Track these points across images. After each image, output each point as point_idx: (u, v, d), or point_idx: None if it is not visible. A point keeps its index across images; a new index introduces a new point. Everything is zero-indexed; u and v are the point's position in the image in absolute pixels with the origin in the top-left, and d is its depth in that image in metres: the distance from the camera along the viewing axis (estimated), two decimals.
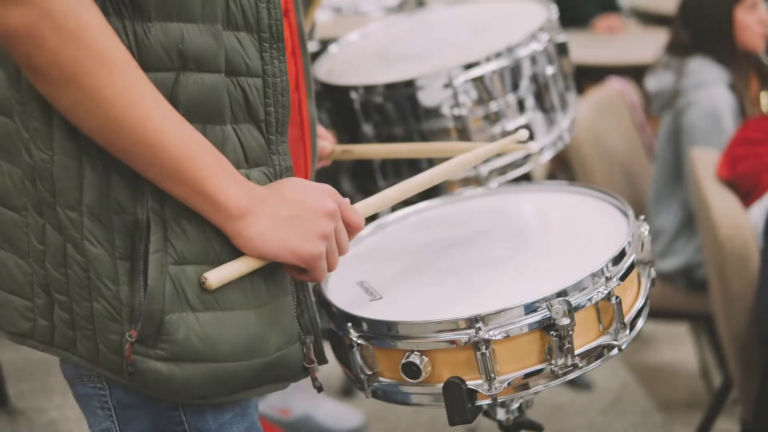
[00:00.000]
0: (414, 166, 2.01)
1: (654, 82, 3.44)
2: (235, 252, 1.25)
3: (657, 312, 1.67)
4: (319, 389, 1.38)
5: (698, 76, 3.26)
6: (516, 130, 1.77)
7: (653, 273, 1.57)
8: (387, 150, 1.97)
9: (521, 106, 2.01)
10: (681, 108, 3.27)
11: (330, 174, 1.75)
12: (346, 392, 3.38)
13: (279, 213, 1.25)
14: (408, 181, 1.50)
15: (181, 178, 1.20)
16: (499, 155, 2.00)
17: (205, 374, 1.25)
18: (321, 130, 1.72)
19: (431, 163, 2.00)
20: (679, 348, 3.84)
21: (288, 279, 1.32)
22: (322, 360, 1.38)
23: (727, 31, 3.24)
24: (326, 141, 1.69)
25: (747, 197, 2.71)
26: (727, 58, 3.27)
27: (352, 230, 1.34)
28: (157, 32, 1.20)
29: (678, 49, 3.38)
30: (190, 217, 1.23)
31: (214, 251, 1.24)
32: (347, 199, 1.34)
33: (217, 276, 1.23)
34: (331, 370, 1.47)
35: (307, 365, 1.36)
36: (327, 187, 1.31)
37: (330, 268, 1.31)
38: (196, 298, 1.23)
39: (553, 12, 2.12)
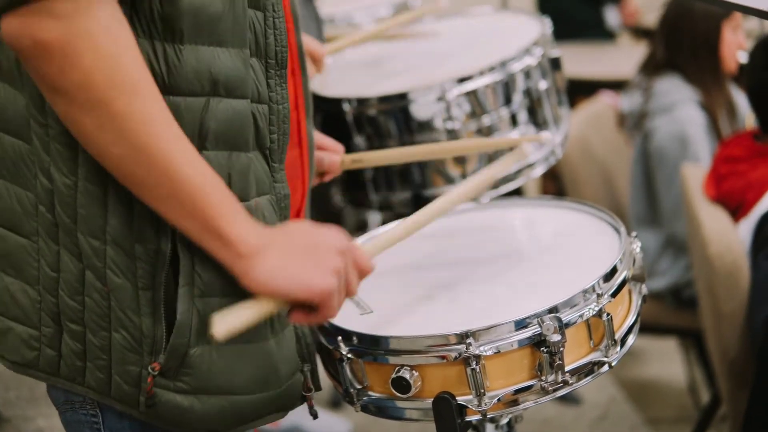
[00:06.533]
0: (406, 180, 2.01)
1: (627, 102, 3.42)
2: None
3: (645, 327, 1.66)
4: (315, 416, 1.40)
5: (666, 97, 3.22)
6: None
7: (644, 290, 1.57)
8: (398, 154, 1.91)
9: (514, 121, 2.01)
10: (648, 131, 3.25)
11: (321, 186, 1.74)
12: (334, 403, 3.37)
13: (289, 250, 1.20)
14: (416, 215, 1.48)
15: (196, 212, 1.15)
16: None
17: (223, 407, 1.24)
18: (329, 142, 1.68)
19: (423, 175, 2.00)
20: (667, 363, 3.84)
21: None
22: (318, 387, 1.39)
23: (714, 44, 3.22)
24: (335, 153, 1.65)
25: (735, 215, 2.71)
26: (698, 75, 3.23)
27: (361, 273, 1.29)
28: (188, 55, 1.15)
29: (649, 68, 3.36)
30: None
31: (239, 283, 1.20)
32: (357, 243, 1.31)
33: (222, 328, 1.15)
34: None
35: (305, 393, 1.37)
36: (336, 229, 1.27)
37: (337, 309, 1.25)
38: None
39: (547, 26, 2.13)
